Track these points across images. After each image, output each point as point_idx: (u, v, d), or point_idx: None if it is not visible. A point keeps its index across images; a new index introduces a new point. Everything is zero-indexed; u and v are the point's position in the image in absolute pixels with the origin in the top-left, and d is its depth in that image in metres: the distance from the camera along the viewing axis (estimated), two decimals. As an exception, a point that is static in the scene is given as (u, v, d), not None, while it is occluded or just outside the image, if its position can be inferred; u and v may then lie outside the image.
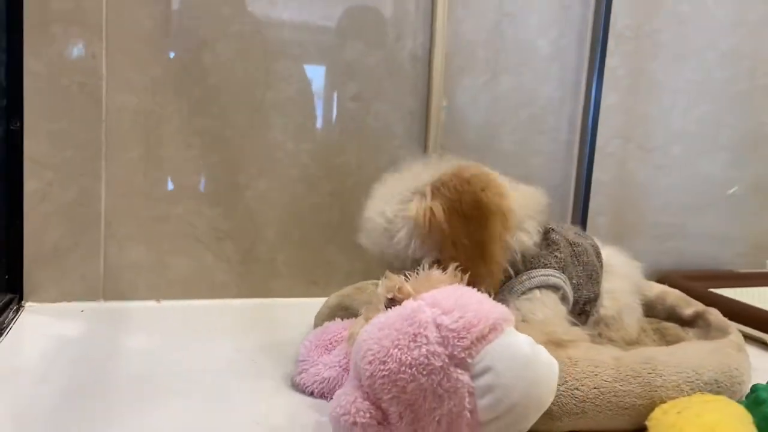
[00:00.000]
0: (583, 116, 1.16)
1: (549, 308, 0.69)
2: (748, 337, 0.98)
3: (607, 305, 0.79)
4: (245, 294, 1.03)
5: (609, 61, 1.14)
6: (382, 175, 1.09)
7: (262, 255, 1.03)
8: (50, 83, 0.90)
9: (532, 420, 0.55)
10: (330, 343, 0.72)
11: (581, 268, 0.76)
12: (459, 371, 0.50)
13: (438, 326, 0.52)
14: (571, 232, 0.81)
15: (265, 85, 0.99)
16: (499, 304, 0.57)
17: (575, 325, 0.72)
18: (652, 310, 0.97)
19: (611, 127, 1.19)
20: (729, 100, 1.26)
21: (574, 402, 0.61)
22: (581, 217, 1.18)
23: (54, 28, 0.89)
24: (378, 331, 0.53)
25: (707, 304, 1.08)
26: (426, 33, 1.05)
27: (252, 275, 1.03)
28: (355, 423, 0.51)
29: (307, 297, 1.05)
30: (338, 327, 0.75)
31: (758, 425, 0.57)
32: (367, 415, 0.51)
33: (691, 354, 0.66)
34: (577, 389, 0.62)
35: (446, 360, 0.50)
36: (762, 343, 0.96)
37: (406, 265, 0.67)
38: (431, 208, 0.66)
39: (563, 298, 0.73)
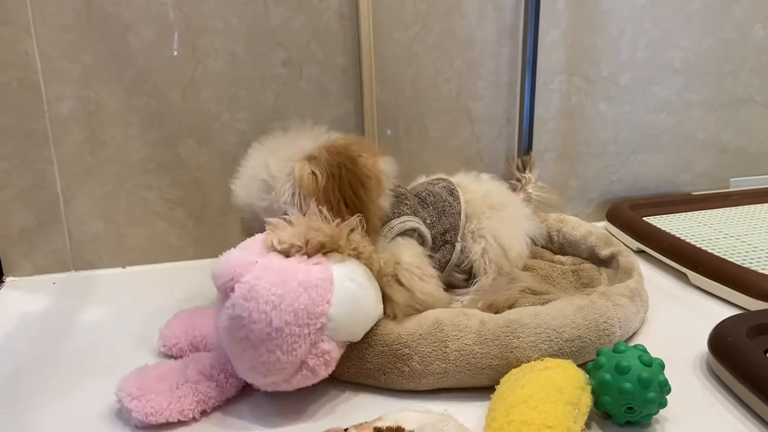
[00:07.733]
0: (522, 56, 1.16)
1: (411, 249, 0.79)
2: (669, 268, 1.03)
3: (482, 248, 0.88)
4: (202, 255, 1.12)
5: (547, -3, 1.13)
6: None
7: (213, 219, 1.10)
8: (-8, 82, 0.97)
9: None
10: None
11: (431, 208, 0.89)
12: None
13: None
14: (421, 186, 0.94)
15: (192, 61, 1.03)
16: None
17: (431, 257, 0.84)
18: (576, 249, 1.02)
19: (555, 64, 1.19)
20: (683, 21, 1.23)
21: (437, 362, 0.68)
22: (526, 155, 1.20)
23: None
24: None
25: (637, 234, 1.12)
26: (349, -10, 1.06)
27: (206, 237, 1.11)
28: None
29: (262, 253, 1.12)
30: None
31: (595, 389, 0.62)
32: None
33: (556, 314, 0.72)
34: (443, 350, 0.69)
35: None
36: (682, 274, 1.00)
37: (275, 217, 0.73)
38: (313, 172, 0.73)
39: (421, 236, 0.83)
